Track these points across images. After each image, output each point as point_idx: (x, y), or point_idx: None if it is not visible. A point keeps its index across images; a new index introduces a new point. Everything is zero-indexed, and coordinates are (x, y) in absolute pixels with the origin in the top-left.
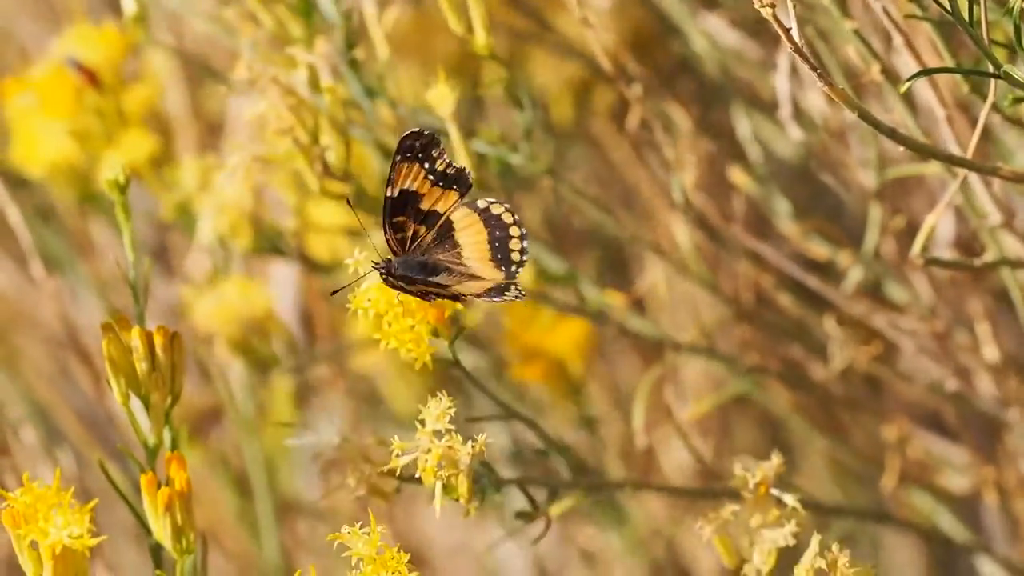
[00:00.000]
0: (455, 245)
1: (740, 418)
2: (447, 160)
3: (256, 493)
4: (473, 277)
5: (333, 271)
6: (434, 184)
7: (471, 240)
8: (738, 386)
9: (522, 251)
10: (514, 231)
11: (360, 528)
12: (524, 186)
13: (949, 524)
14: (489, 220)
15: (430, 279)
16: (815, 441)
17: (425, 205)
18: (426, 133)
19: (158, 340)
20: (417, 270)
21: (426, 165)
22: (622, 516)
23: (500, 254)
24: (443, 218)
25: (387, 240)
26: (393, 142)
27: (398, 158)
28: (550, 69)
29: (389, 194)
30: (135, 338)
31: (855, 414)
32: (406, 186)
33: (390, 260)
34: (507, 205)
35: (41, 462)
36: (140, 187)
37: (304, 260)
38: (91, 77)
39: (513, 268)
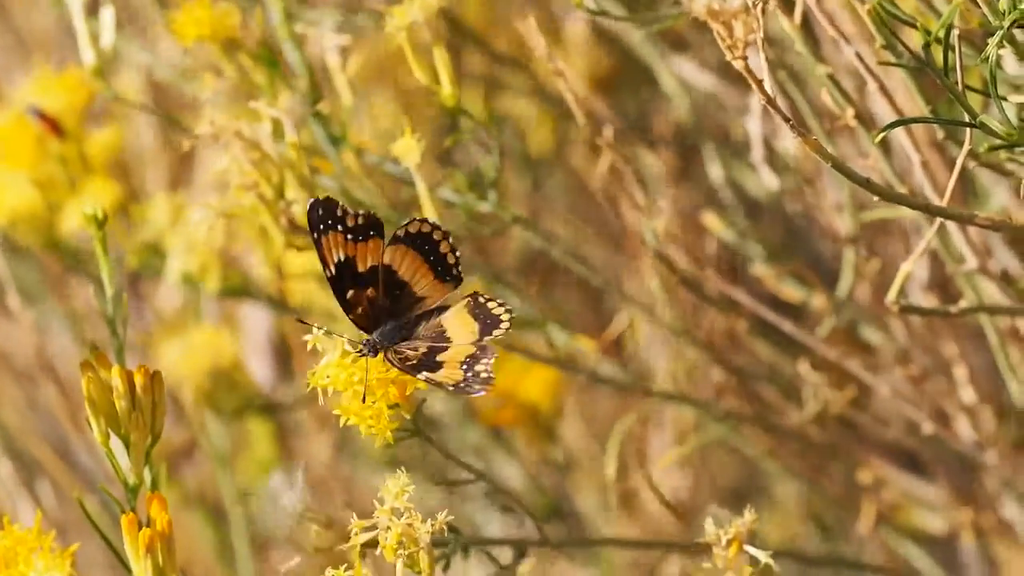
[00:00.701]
0: (409, 292)
1: (717, 458)
2: (352, 212)
3: (232, 527)
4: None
5: (304, 313)
6: (356, 241)
7: (415, 271)
8: (714, 430)
9: (453, 251)
10: (443, 247)
11: (344, 570)
12: (494, 232)
13: (926, 566)
14: (420, 245)
15: (414, 345)
16: (791, 484)
17: (361, 266)
18: (322, 199)
19: (138, 379)
20: (397, 339)
21: (339, 228)
22: (600, 555)
23: (440, 268)
24: (380, 270)
25: (352, 320)
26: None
27: (315, 235)
28: (527, 104)
29: (329, 275)
30: (115, 377)
31: (830, 457)
32: (337, 258)
33: (369, 340)
34: (432, 221)
35: (19, 497)
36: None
37: (274, 303)
38: (53, 126)
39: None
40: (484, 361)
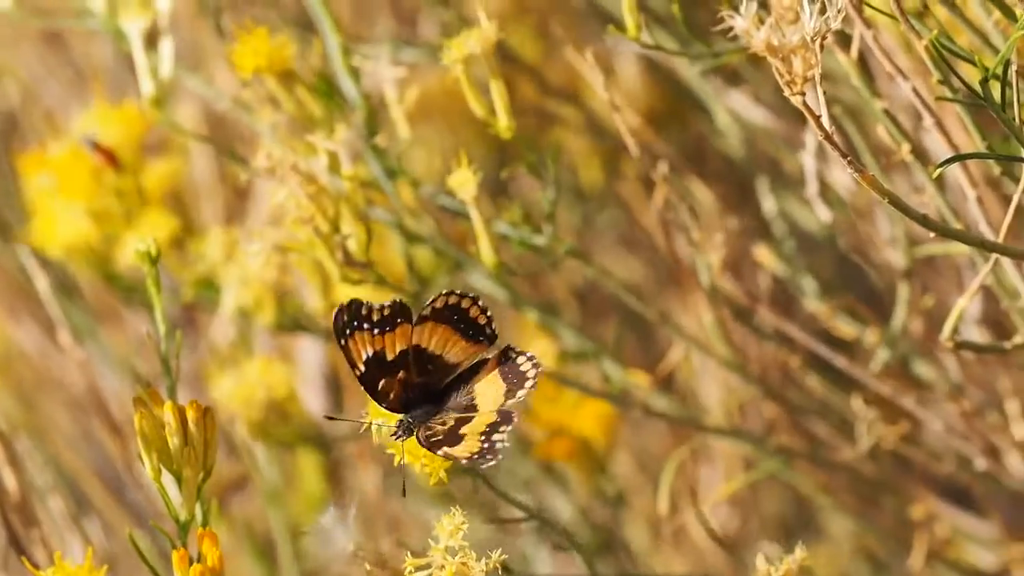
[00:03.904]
0: (441, 363)
1: (769, 494)
2: (377, 307)
3: (283, 563)
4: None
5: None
6: (384, 332)
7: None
8: (766, 466)
9: (484, 312)
10: (474, 312)
11: None
12: (548, 266)
13: None
14: (449, 317)
15: (443, 419)
16: (842, 519)
17: (390, 355)
18: (347, 304)
19: (191, 415)
20: (432, 414)
21: (366, 326)
22: None
23: (472, 332)
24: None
25: (386, 408)
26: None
27: (342, 342)
28: (578, 137)
29: (359, 375)
30: (167, 413)
31: (883, 492)
32: (365, 355)
33: (403, 421)
34: (458, 292)
35: (69, 532)
36: (161, 266)
37: (329, 337)
38: (109, 157)
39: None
40: (503, 429)
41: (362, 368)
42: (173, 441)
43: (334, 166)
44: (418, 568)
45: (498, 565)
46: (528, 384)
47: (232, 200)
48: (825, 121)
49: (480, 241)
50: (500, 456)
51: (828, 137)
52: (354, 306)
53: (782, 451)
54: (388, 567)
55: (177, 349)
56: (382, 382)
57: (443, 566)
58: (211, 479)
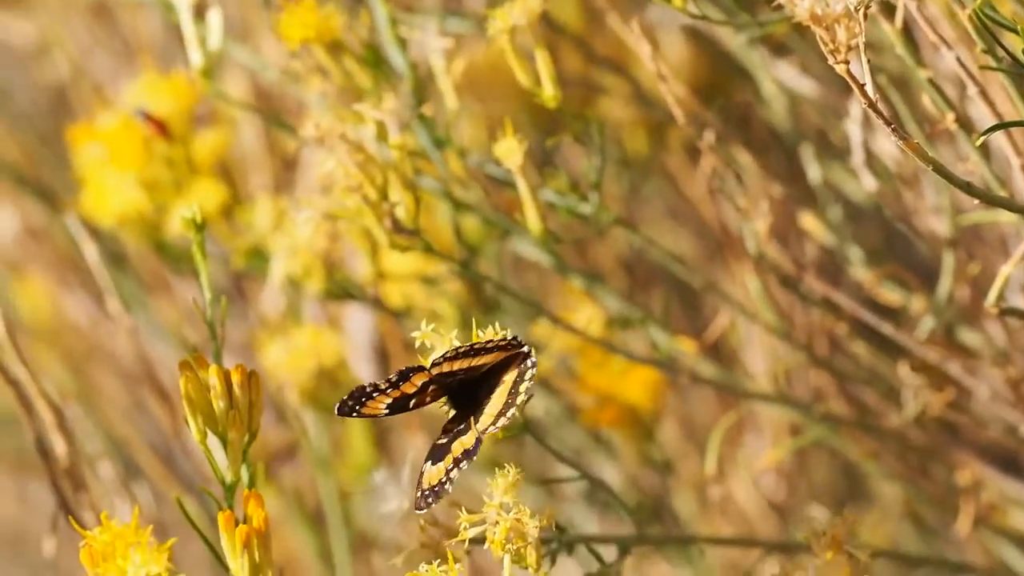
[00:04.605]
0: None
1: (816, 461)
2: (383, 381)
3: (331, 529)
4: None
5: (405, 316)
6: (396, 387)
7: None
8: (813, 433)
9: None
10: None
11: (438, 565)
12: (595, 234)
13: None
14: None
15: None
16: (890, 486)
17: (412, 390)
18: (353, 392)
19: (235, 378)
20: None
21: (376, 394)
22: (696, 554)
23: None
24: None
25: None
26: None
27: (353, 415)
28: (624, 108)
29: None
30: (213, 376)
31: (929, 459)
32: (385, 407)
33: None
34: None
35: (118, 497)
36: (211, 235)
37: (377, 305)
38: (160, 127)
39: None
40: (458, 468)
41: (385, 411)
42: (218, 404)
43: (382, 135)
44: (472, 524)
45: (553, 521)
46: (510, 413)
47: (280, 171)
48: (869, 89)
49: (526, 209)
50: (436, 501)
51: (872, 104)
52: (356, 393)
53: (828, 418)
54: (441, 525)
55: (223, 315)
56: (412, 402)
57: (497, 522)
58: (261, 447)
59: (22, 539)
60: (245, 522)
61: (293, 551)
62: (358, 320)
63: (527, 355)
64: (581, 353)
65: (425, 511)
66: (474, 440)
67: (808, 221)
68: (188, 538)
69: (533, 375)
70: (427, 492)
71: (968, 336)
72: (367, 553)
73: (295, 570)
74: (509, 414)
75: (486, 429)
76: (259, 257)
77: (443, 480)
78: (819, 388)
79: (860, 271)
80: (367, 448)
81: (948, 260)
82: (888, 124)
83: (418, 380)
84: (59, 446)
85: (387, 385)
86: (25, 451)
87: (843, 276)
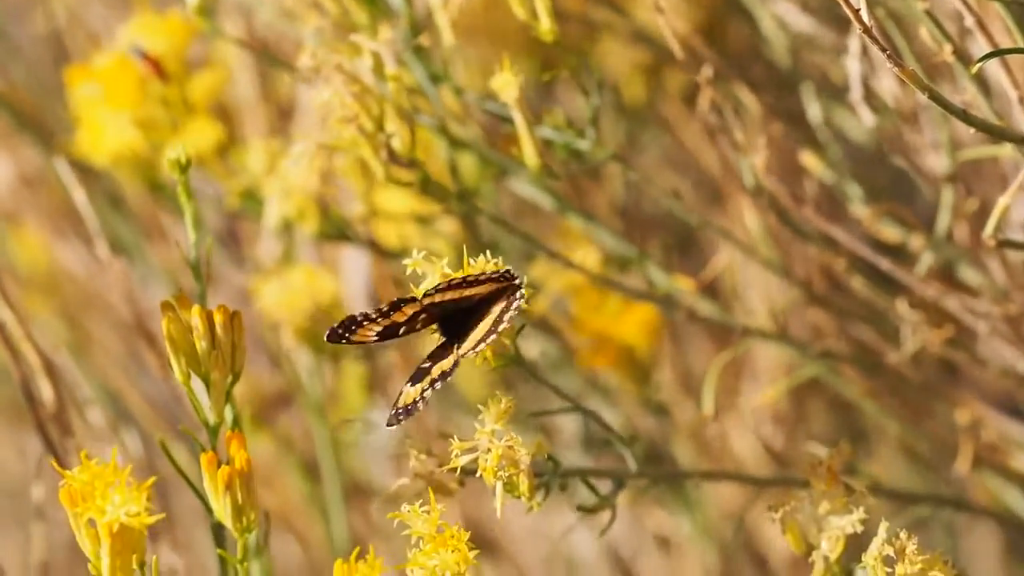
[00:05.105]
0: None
1: (814, 402)
2: (380, 311)
3: (325, 476)
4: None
5: (401, 256)
6: (386, 317)
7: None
8: (810, 370)
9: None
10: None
11: (421, 507)
12: (592, 172)
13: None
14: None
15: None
16: (888, 426)
17: (402, 319)
18: (344, 320)
19: (218, 319)
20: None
21: (366, 322)
22: (693, 500)
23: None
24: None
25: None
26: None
27: (343, 341)
28: (621, 52)
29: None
30: (195, 317)
31: (928, 398)
32: (375, 334)
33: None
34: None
35: (109, 444)
36: (207, 176)
37: (372, 246)
38: (156, 66)
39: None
40: (433, 387)
41: (375, 338)
42: (200, 345)
43: (378, 67)
44: (464, 451)
45: (545, 449)
46: (500, 329)
47: (276, 116)
48: (865, 16)
49: (523, 144)
50: (403, 419)
51: (868, 31)
52: (347, 321)
53: (827, 355)
54: (434, 454)
55: (208, 254)
56: (402, 329)
57: (489, 449)
58: (252, 392)
59: (20, 491)
60: (228, 464)
61: (287, 498)
62: (354, 263)
63: (518, 287)
64: (576, 295)
65: (395, 426)
66: (452, 362)
67: (808, 159)
68: (180, 487)
69: (520, 304)
70: (400, 410)
71: (967, 273)
72: (361, 500)
73: (289, 518)
74: (490, 339)
75: (466, 352)
76: (254, 199)
77: (416, 400)
78: (817, 326)
79: (859, 208)
80: (361, 394)
81: (947, 196)
82: (884, 51)
83: (409, 311)
84: (46, 391)
85: (378, 315)
86: (20, 403)
87: (842, 214)
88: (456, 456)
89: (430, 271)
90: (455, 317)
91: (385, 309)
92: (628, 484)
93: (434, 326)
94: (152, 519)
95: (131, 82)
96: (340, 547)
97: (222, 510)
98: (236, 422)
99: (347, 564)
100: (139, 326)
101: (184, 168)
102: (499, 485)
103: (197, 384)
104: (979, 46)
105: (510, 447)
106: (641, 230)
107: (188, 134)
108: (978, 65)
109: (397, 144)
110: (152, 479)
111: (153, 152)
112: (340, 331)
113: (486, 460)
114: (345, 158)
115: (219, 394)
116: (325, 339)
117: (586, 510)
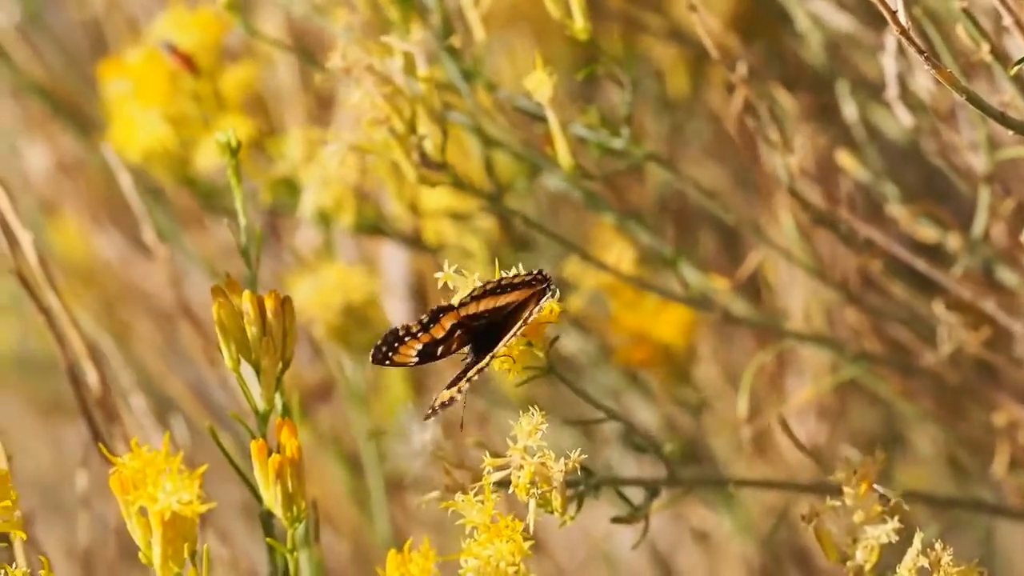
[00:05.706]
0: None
1: (855, 401)
2: (415, 321)
3: (367, 468)
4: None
5: (438, 252)
6: (426, 331)
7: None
8: (847, 371)
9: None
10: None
11: (475, 497)
12: (630, 167)
13: None
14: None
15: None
16: (925, 426)
17: (440, 334)
18: (386, 336)
19: (269, 305)
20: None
21: (408, 338)
22: (733, 496)
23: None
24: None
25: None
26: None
27: (387, 363)
28: (664, 45)
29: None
30: (246, 302)
31: (965, 400)
32: (416, 353)
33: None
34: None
35: (152, 432)
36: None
37: (409, 241)
38: (186, 62)
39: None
40: (469, 381)
41: (416, 359)
42: (251, 330)
43: (410, 68)
44: (496, 468)
45: (578, 465)
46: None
47: (315, 108)
48: (902, 16)
49: (557, 143)
50: (441, 411)
51: (904, 32)
52: (388, 337)
53: (864, 356)
54: (465, 466)
55: (257, 242)
56: (439, 349)
57: (521, 466)
58: (295, 382)
59: (56, 486)
60: (278, 452)
61: (329, 491)
62: (394, 258)
63: (550, 286)
64: (614, 292)
65: (433, 417)
66: (487, 359)
67: (844, 158)
68: (223, 473)
69: (548, 301)
70: (436, 407)
71: (1004, 274)
72: (400, 494)
73: (329, 510)
74: (519, 333)
75: (499, 350)
76: (289, 190)
77: (453, 397)
78: (854, 326)
79: (896, 208)
80: (404, 387)
81: (984, 196)
82: (920, 52)
83: (447, 322)
84: (91, 375)
85: (418, 328)
86: (59, 396)
87: (878, 214)
88: (488, 473)
89: (461, 284)
90: (489, 333)
91: (425, 321)
92: (662, 492)
93: (467, 348)
94: (204, 507)
95: (162, 78)
96: (383, 538)
97: (272, 499)
98: (286, 409)
99: (400, 555)
100: (182, 312)
101: (234, 151)
102: (532, 502)
103: (246, 370)
104: (1017, 45)
105: (543, 464)
106: (684, 224)
107: (220, 130)
108: (1017, 67)
109: (429, 146)
110: (204, 467)
111: (184, 148)
112: (384, 348)
113: (519, 477)
114: (377, 159)
115: (270, 380)
116: (371, 360)
117: (621, 520)
